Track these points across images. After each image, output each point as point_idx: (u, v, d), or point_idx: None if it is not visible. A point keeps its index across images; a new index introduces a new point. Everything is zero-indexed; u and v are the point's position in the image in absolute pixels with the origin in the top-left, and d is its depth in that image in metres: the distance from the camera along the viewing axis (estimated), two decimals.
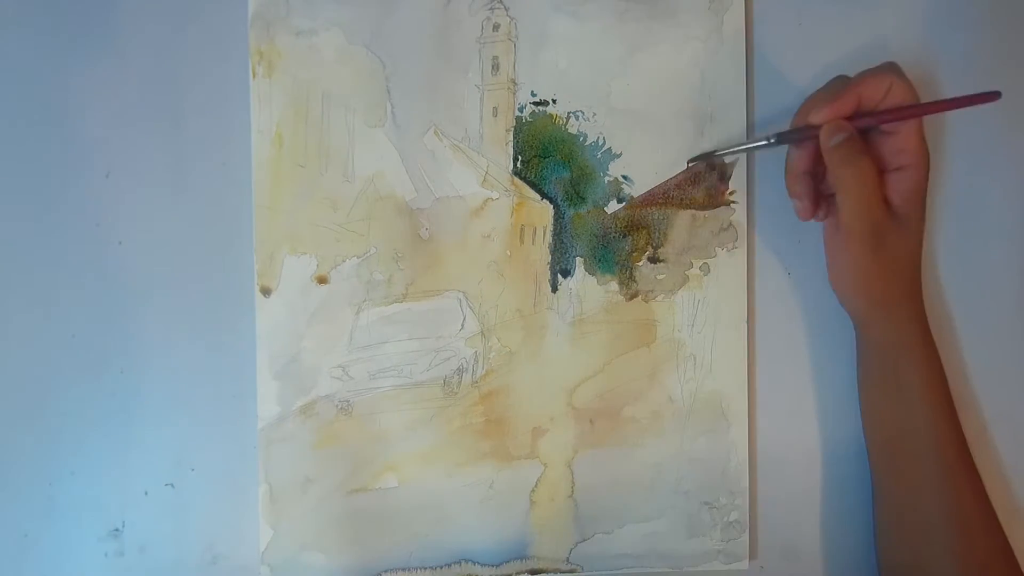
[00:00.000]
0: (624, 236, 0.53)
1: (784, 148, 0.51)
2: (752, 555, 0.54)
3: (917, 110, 0.47)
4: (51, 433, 0.52)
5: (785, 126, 0.51)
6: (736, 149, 0.52)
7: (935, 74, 0.54)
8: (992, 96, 0.46)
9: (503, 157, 0.53)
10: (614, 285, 0.53)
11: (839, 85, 0.49)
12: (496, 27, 0.53)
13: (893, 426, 0.51)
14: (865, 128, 0.48)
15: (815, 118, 0.48)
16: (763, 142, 0.50)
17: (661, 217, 0.53)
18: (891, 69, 0.48)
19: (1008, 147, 0.55)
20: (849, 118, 0.47)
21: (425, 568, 0.53)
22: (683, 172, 0.53)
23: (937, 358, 0.50)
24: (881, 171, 0.48)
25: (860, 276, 0.49)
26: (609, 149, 0.53)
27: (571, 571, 0.53)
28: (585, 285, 0.53)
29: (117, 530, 0.52)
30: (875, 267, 0.48)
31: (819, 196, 0.50)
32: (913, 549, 0.50)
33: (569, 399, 0.53)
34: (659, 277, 0.53)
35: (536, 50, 0.53)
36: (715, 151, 0.52)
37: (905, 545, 0.50)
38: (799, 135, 0.49)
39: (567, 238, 0.53)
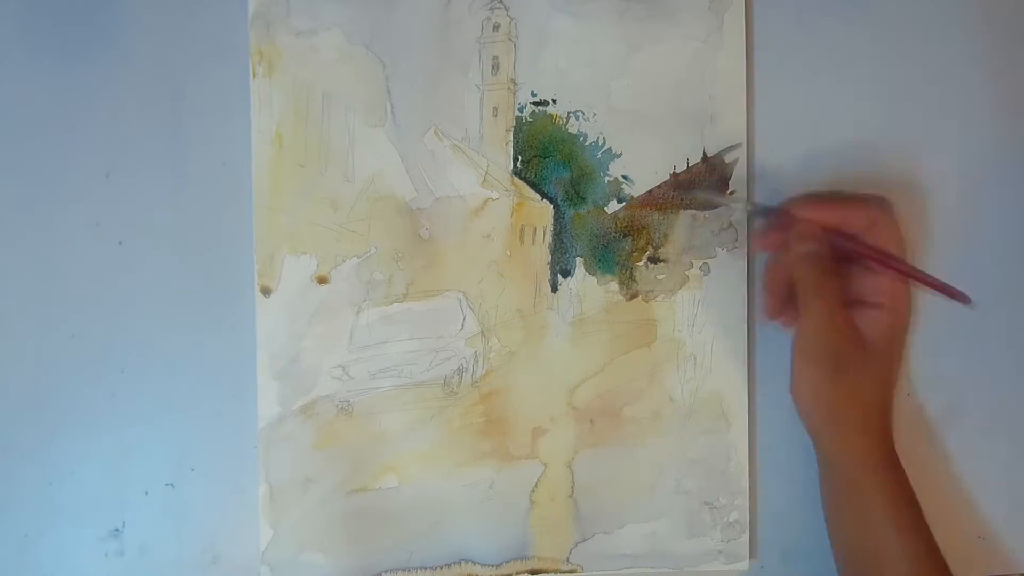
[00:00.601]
0: (624, 236, 0.53)
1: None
2: (752, 555, 0.54)
3: (891, 262, 0.47)
4: (51, 433, 0.52)
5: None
6: (713, 199, 0.52)
7: (933, 73, 0.54)
8: (964, 299, 0.48)
9: (503, 157, 0.53)
10: (614, 285, 0.53)
11: (831, 194, 0.50)
12: (496, 27, 0.53)
13: (858, 543, 0.48)
14: (848, 252, 0.47)
15: (796, 210, 0.48)
16: (740, 204, 0.51)
17: (661, 217, 0.53)
18: (881, 205, 0.48)
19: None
20: (830, 230, 0.47)
21: (425, 568, 0.53)
22: (680, 177, 0.53)
23: (905, 480, 0.47)
24: (858, 302, 0.48)
25: (816, 394, 0.48)
26: (609, 149, 0.53)
27: (571, 571, 0.53)
28: (585, 285, 0.53)
29: (117, 530, 0.53)
30: (833, 390, 0.47)
31: (788, 298, 0.49)
32: None
33: (569, 399, 0.53)
34: (659, 277, 0.53)
35: (536, 50, 0.53)
36: (695, 195, 0.52)
37: None
38: (776, 217, 0.49)
39: (567, 238, 0.53)
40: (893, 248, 0.47)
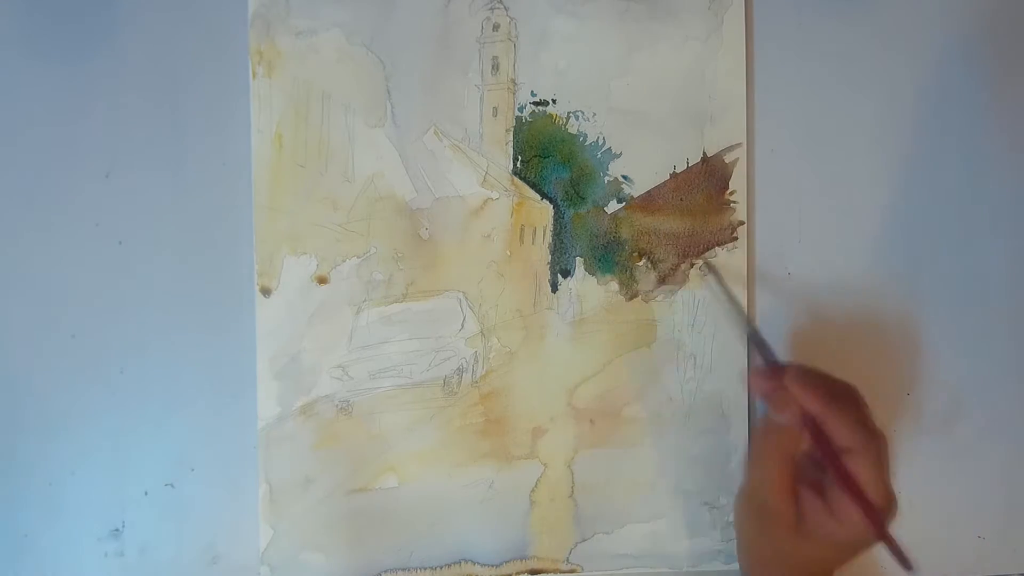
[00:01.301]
0: (624, 236, 0.53)
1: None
2: None
3: (854, 490, 0.43)
4: (51, 433, 0.52)
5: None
6: (724, 291, 0.52)
7: (931, 70, 0.54)
8: (909, 566, 0.43)
9: (503, 157, 0.53)
10: (614, 285, 0.53)
11: (834, 387, 0.45)
12: (496, 27, 0.53)
13: None
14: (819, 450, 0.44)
15: (787, 376, 0.45)
16: (744, 319, 0.51)
17: (661, 217, 0.53)
18: (877, 442, 0.43)
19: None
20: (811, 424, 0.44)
21: (425, 568, 0.53)
22: (680, 177, 0.53)
23: None
24: (824, 492, 0.44)
25: (742, 543, 0.48)
26: (609, 149, 0.53)
27: (571, 571, 0.53)
28: (585, 285, 0.53)
29: (117, 530, 0.53)
30: (755, 547, 0.47)
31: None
32: None
33: (569, 399, 0.53)
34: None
35: (536, 50, 0.53)
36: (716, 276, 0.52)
37: None
38: (765, 352, 0.48)
39: (567, 238, 0.53)
40: (864, 482, 0.43)
